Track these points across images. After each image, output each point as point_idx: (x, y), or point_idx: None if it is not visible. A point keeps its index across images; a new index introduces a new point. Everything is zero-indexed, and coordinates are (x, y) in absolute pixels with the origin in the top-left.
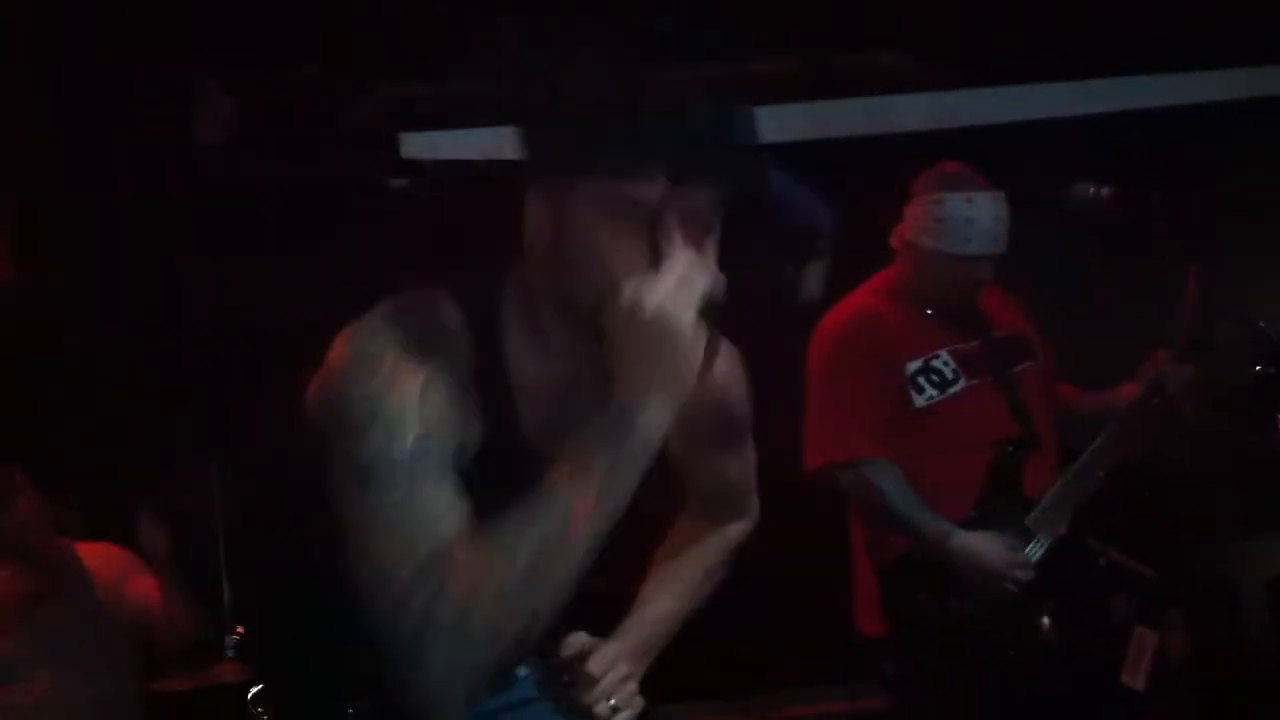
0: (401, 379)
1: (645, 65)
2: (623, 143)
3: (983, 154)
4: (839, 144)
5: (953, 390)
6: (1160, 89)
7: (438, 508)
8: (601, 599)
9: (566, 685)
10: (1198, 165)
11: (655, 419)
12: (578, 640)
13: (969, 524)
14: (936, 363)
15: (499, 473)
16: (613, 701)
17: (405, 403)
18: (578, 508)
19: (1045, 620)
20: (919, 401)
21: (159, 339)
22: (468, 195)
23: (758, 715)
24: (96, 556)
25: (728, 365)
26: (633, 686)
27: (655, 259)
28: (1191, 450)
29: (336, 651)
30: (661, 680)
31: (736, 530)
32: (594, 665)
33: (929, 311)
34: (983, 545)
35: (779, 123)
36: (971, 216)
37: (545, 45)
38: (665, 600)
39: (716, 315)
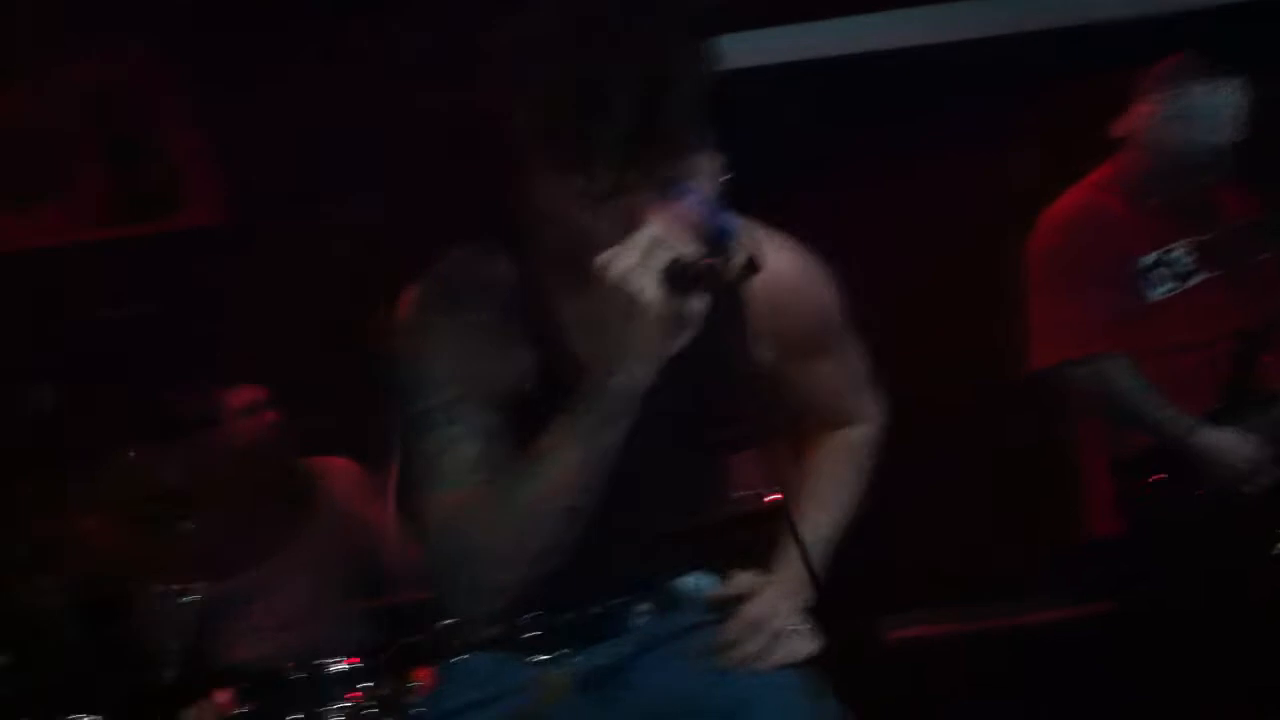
0: (443, 340)
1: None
2: (578, 134)
3: (1203, 41)
4: (1045, 36)
5: (1190, 283)
6: None
7: (467, 459)
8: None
9: (731, 631)
10: None
11: (626, 382)
12: (743, 581)
13: (1211, 419)
14: (1173, 255)
15: (560, 396)
16: (781, 650)
17: (447, 363)
18: (565, 465)
19: None
20: (1153, 295)
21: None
22: None
23: (982, 621)
24: (335, 471)
25: (800, 273)
26: (800, 628)
27: (631, 231)
28: None
29: None
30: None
31: (862, 435)
32: (756, 610)
33: (1162, 204)
34: (1230, 442)
35: (978, 18)
36: (1206, 106)
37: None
38: (818, 521)
39: (691, 278)
